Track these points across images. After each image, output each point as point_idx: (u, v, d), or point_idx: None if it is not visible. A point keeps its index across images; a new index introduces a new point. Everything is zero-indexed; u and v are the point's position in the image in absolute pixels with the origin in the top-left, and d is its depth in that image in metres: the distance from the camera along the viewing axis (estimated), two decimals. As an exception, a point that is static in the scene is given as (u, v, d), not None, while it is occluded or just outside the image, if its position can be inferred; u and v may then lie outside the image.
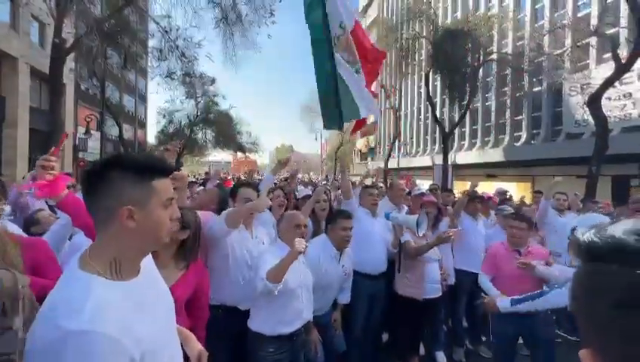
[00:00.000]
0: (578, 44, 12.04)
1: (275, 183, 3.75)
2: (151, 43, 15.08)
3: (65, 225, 2.00)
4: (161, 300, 0.96)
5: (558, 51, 13.23)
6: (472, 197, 3.81)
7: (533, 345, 2.49)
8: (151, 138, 28.96)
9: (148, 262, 0.95)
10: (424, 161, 26.91)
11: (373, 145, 37.94)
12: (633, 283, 0.36)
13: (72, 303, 0.72)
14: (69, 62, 11.67)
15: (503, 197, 6.32)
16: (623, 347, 0.36)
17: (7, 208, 2.28)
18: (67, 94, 13.99)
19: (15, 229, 2.03)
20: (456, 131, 21.71)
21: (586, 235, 0.42)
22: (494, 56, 15.87)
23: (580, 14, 16.08)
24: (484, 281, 2.68)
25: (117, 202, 0.81)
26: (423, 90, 24.53)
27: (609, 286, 0.38)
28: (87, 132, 14.81)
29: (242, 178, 9.78)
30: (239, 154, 26.86)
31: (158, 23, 12.56)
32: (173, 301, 1.03)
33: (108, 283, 0.78)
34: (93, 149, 18.06)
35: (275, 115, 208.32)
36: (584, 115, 13.99)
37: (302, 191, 4.19)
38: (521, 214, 2.91)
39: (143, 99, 29.65)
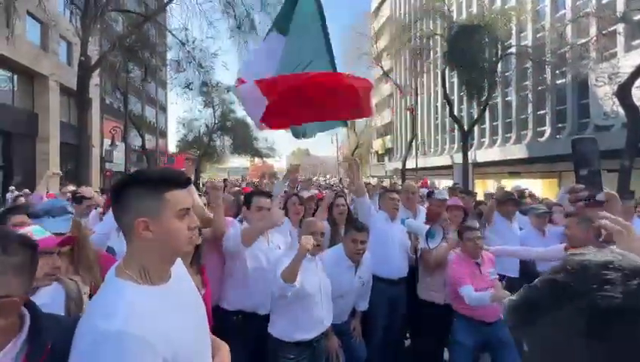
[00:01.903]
0: (604, 32, 11.47)
1: (286, 191, 3.73)
2: (169, 55, 15.65)
3: (103, 235, 2.16)
4: (192, 307, 1.00)
5: (582, 41, 12.65)
6: (505, 199, 3.64)
7: (498, 349, 2.46)
8: (172, 147, 29.89)
9: (180, 270, 1.01)
10: (443, 160, 26.32)
11: (390, 146, 37.53)
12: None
13: (107, 306, 0.81)
14: (95, 78, 12.29)
15: (520, 194, 5.98)
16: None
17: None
18: (93, 108, 14.68)
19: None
20: (476, 128, 21.13)
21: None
22: (513, 49, 15.37)
23: (604, 1, 15.33)
24: (474, 295, 2.39)
25: (133, 215, 0.87)
26: (439, 88, 24.07)
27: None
28: (113, 143, 15.48)
29: (257, 184, 9.89)
30: (256, 159, 27.28)
31: (175, 36, 13.02)
32: (204, 309, 1.07)
33: (139, 288, 0.85)
34: (119, 160, 18.83)
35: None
36: (613, 105, 13.27)
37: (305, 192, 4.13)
38: (469, 226, 2.72)
39: (164, 109, 30.71)
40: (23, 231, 1.19)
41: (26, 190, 7.98)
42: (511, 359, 2.43)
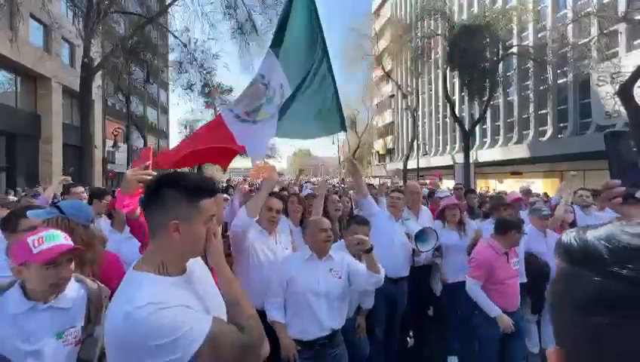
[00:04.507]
0: (605, 31, 11.45)
1: (283, 189, 3.75)
2: (171, 57, 15.71)
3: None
4: (211, 296, 1.05)
5: (584, 40, 12.63)
6: (498, 204, 3.52)
7: (510, 338, 2.53)
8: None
9: (197, 265, 1.08)
10: (445, 160, 26.29)
11: (391, 147, 37.50)
12: (596, 289, 0.36)
13: (130, 293, 0.89)
14: (97, 80, 12.34)
15: (527, 193, 5.96)
16: (588, 347, 0.36)
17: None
18: (95, 110, 14.76)
19: None
20: (477, 128, 21.09)
21: (567, 237, 0.42)
22: (514, 49, 15.35)
23: (605, 0, 15.31)
24: (478, 290, 2.54)
25: (168, 216, 0.93)
26: (440, 88, 24.06)
27: (577, 289, 0.38)
28: (115, 145, 15.54)
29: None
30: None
31: (177, 37, 13.07)
32: (223, 301, 1.12)
33: (157, 278, 0.93)
34: (121, 161, 18.89)
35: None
36: (615, 105, 13.24)
37: (305, 190, 4.16)
38: (506, 220, 2.73)
39: (165, 110, 30.76)
40: (34, 236, 1.21)
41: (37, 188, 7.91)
42: (517, 346, 2.54)
